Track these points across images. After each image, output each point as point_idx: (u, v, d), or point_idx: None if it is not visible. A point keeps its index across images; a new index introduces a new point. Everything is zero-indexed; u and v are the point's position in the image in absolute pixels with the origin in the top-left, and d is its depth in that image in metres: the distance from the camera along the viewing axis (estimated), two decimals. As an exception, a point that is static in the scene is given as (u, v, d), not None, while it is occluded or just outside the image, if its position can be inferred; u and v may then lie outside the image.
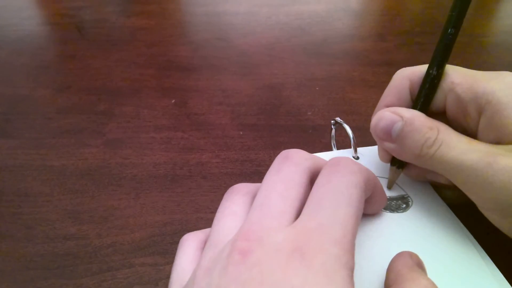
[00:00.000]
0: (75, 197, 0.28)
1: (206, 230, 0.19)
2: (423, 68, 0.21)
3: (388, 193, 0.23)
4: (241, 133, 0.33)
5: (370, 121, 0.22)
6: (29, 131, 0.34)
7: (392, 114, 0.21)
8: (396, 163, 0.22)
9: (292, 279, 0.13)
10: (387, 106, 0.22)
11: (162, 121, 0.35)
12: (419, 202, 0.22)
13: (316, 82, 0.40)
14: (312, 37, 0.48)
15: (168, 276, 0.23)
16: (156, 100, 0.37)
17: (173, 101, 0.37)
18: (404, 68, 0.22)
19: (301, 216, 0.15)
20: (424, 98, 0.21)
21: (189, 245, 0.17)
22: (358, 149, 0.26)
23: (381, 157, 0.23)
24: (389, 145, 0.21)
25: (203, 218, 0.27)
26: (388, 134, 0.21)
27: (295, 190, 0.16)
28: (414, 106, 0.21)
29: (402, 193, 0.23)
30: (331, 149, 0.28)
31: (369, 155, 0.26)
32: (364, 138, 0.30)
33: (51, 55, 0.45)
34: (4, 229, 0.26)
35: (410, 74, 0.22)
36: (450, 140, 0.19)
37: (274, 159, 0.18)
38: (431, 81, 0.21)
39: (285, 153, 0.18)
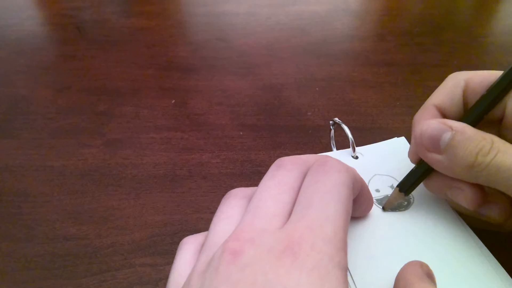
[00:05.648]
0: (75, 197, 0.28)
1: (206, 233, 0.19)
2: (483, 74, 0.20)
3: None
4: (241, 133, 0.33)
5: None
6: (29, 131, 0.34)
7: (440, 123, 0.19)
8: (404, 189, 0.21)
9: (284, 279, 0.13)
10: (437, 106, 0.21)
11: (162, 122, 0.35)
12: (421, 200, 0.22)
13: (316, 82, 0.40)
14: (312, 38, 0.48)
15: (168, 276, 0.23)
16: (156, 100, 0.37)
17: (173, 101, 0.37)
18: (460, 71, 0.21)
19: (292, 217, 0.15)
20: (487, 105, 0.19)
21: (188, 248, 0.17)
22: (357, 148, 0.26)
23: (411, 158, 0.22)
24: (435, 156, 0.19)
25: (203, 218, 0.27)
26: (436, 144, 0.19)
27: (287, 194, 0.16)
28: (470, 111, 0.20)
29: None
30: (330, 149, 0.28)
31: (368, 154, 0.26)
32: (364, 138, 0.30)
33: (51, 55, 0.45)
34: (4, 229, 0.26)
35: (468, 78, 0.21)
36: (507, 148, 0.17)
37: (274, 159, 0.18)
38: (504, 89, 0.19)
39: (279, 161, 0.18)
